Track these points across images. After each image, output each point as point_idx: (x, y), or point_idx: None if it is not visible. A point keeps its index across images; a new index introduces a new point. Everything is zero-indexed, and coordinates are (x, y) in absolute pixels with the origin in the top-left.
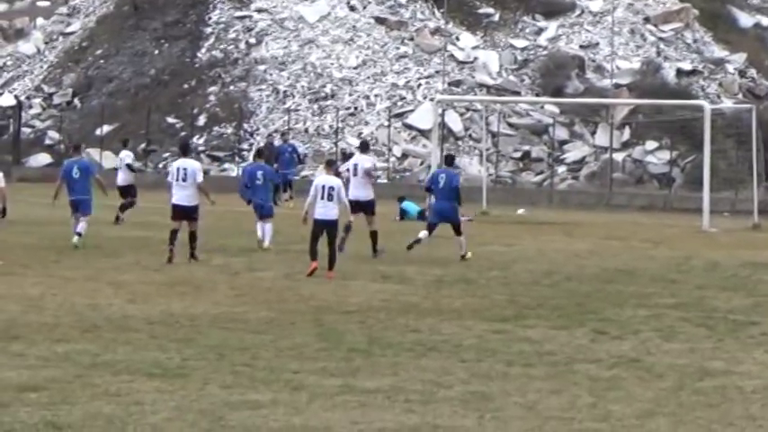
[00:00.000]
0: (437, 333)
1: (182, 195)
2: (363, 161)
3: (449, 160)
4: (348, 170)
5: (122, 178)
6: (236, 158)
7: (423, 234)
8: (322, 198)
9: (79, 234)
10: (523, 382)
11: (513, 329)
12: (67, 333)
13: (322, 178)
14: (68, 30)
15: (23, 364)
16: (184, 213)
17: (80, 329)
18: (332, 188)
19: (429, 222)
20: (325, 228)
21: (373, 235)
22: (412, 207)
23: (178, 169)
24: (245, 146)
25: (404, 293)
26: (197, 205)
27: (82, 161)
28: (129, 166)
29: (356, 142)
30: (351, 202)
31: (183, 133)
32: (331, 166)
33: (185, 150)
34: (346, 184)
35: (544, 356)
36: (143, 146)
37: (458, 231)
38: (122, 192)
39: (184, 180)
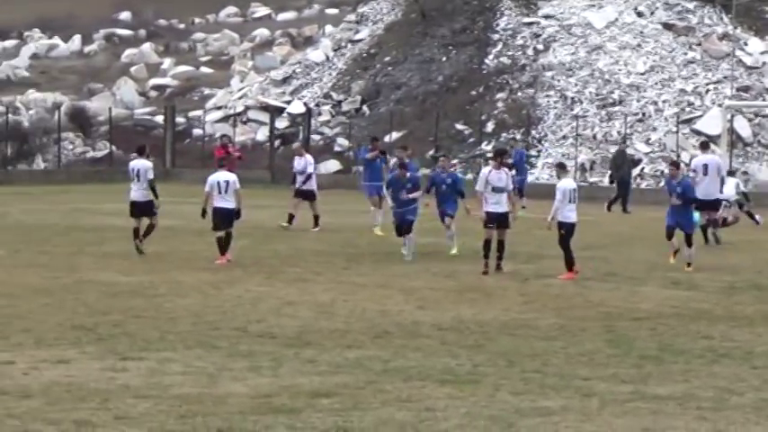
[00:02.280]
0: (729, 340)
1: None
2: (714, 161)
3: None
4: (695, 170)
5: None
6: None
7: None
8: (570, 201)
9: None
10: None
11: None
12: (358, 339)
13: (566, 181)
14: (357, 37)
15: (315, 370)
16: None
17: (371, 335)
18: (574, 190)
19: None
20: (572, 230)
21: (716, 224)
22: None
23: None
24: (532, 152)
25: (695, 300)
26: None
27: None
28: None
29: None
30: (702, 201)
31: (471, 140)
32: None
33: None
34: (693, 183)
35: None
36: (431, 152)
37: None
38: None
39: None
